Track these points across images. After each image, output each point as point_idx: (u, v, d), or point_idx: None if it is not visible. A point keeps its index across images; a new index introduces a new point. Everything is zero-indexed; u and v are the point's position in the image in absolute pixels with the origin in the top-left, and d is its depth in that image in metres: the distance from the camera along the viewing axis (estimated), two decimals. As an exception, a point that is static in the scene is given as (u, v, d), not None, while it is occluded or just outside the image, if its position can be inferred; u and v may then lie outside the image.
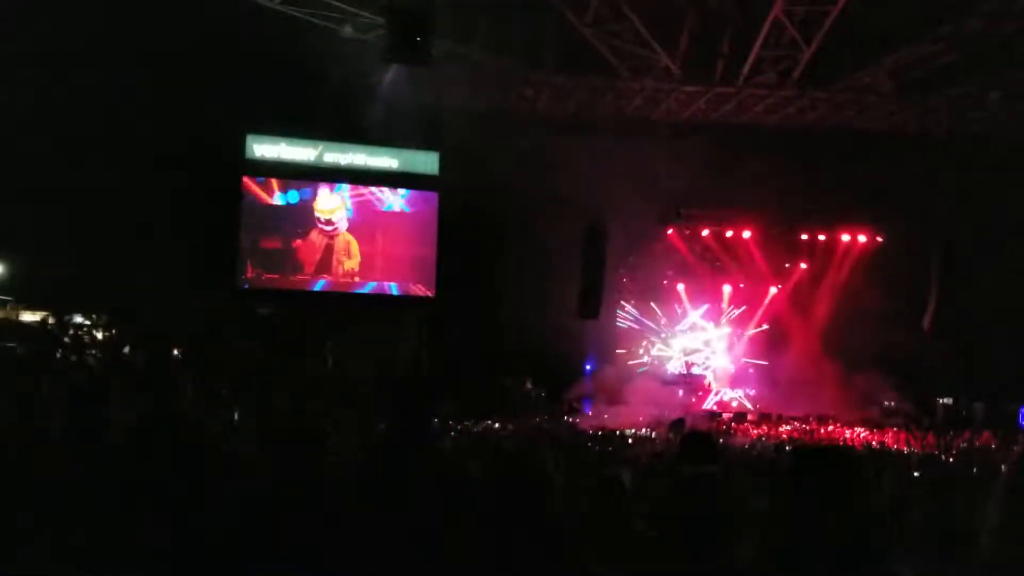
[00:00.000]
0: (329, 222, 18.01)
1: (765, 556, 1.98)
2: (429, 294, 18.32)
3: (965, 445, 14.21)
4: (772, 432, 16.79)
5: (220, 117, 14.82)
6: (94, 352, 14.89)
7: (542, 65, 15.92)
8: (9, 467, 3.12)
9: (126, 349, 15.46)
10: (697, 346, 22.01)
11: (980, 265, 17.69)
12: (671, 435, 12.89)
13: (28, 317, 15.88)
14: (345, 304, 18.16)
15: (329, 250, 18.04)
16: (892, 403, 19.76)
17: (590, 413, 18.80)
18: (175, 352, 15.46)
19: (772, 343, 21.52)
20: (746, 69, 15.59)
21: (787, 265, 21.57)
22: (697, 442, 4.03)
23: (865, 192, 17.91)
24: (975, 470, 9.18)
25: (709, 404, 21.01)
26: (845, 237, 20.95)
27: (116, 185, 13.95)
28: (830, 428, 17.57)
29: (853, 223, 20.62)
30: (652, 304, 21.75)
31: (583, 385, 19.90)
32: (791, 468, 2.09)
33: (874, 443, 14.59)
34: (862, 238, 20.90)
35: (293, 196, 17.94)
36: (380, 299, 18.46)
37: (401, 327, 17.89)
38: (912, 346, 18.24)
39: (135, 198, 14.13)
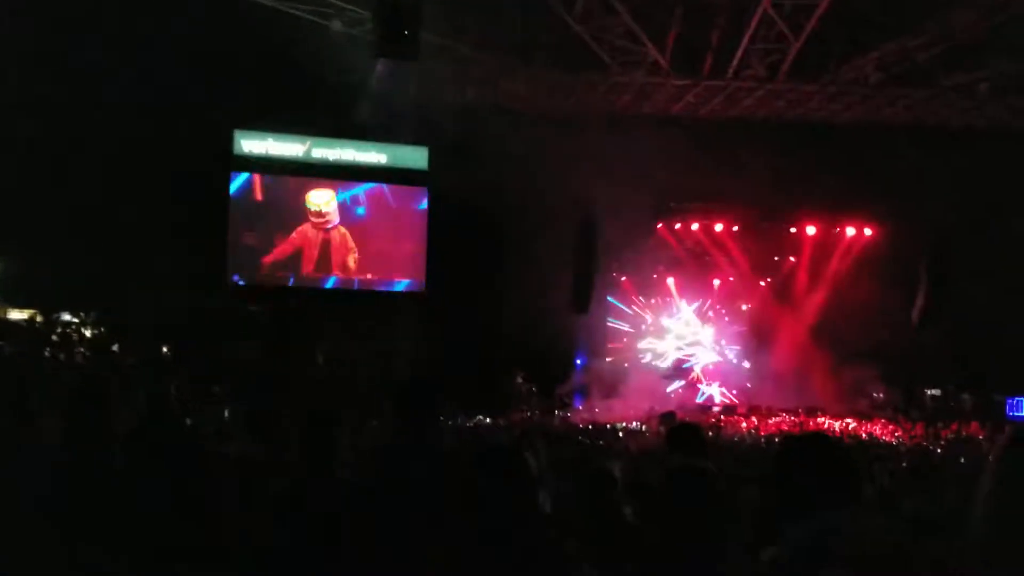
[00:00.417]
0: (320, 214, 17.92)
1: (754, 546, 1.99)
2: (420, 290, 18.31)
3: (953, 436, 14.32)
4: (761, 425, 16.87)
5: (208, 113, 14.76)
6: (83, 350, 14.82)
7: (531, 60, 15.91)
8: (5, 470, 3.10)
9: (115, 347, 15.40)
10: (688, 340, 22.06)
11: (970, 257, 17.80)
12: (662, 428, 12.94)
13: (15, 315, 15.78)
14: (336, 301, 18.12)
15: (325, 245, 17.97)
16: (881, 395, 19.88)
17: (581, 407, 18.84)
18: (164, 350, 15.41)
19: (762, 336, 21.61)
20: (735, 63, 15.62)
21: (776, 258, 21.64)
22: (686, 435, 4.05)
23: (856, 185, 17.97)
24: (963, 460, 9.26)
25: (699, 398, 21.08)
26: (835, 230, 21.04)
27: (103, 182, 13.87)
28: (820, 420, 17.66)
29: (843, 216, 20.71)
30: (643, 298, 21.79)
31: (574, 379, 19.94)
32: (778, 459, 2.10)
33: (864, 434, 14.69)
34: (852, 231, 21.00)
35: (282, 191, 17.87)
36: (371, 296, 18.43)
37: (392, 324, 17.87)
38: (901, 338, 18.36)
39: (122, 195, 14.05)
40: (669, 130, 17.06)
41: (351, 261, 18.19)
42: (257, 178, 17.69)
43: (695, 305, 22.04)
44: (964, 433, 14.64)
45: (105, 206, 14.06)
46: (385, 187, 18.35)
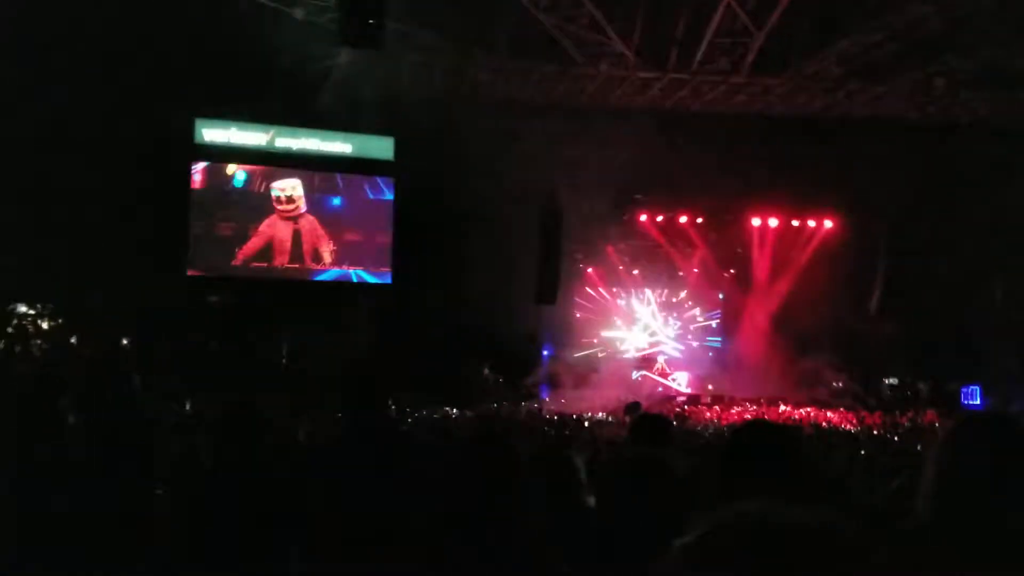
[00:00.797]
0: (290, 199, 17.72)
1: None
2: (386, 281, 18.22)
3: (910, 424, 14.61)
4: (724, 414, 17.07)
5: (169, 101, 14.52)
6: (39, 342, 14.54)
7: (496, 51, 15.86)
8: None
9: (73, 339, 15.13)
10: (653, 330, 22.24)
11: (926, 248, 18.15)
12: (627, 418, 13.04)
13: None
14: (301, 292, 17.98)
15: (296, 235, 17.79)
16: (840, 384, 20.24)
17: (548, 398, 18.92)
18: (124, 342, 15.17)
19: (725, 327, 21.89)
20: (699, 56, 15.72)
21: (740, 250, 21.90)
22: (649, 425, 4.08)
23: (817, 178, 18.22)
24: (919, 447, 9.45)
25: (664, 388, 21.28)
26: (797, 222, 21.34)
27: (61, 172, 13.60)
28: (781, 409, 17.92)
29: (805, 208, 20.99)
30: (609, 289, 21.92)
31: (541, 370, 20.01)
32: (729, 447, 2.14)
33: (823, 423, 14.93)
34: (812, 223, 21.31)
35: (246, 180, 17.66)
36: (336, 287, 18.31)
37: (358, 315, 17.77)
38: (860, 328, 18.70)
39: (82, 184, 13.79)
40: (635, 122, 17.12)
41: (326, 252, 18.03)
42: (220, 167, 17.47)
43: (661, 295, 22.24)
44: (920, 422, 14.94)
45: (64, 197, 13.79)
46: (351, 177, 18.22)
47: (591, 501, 3.12)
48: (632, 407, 13.85)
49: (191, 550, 2.78)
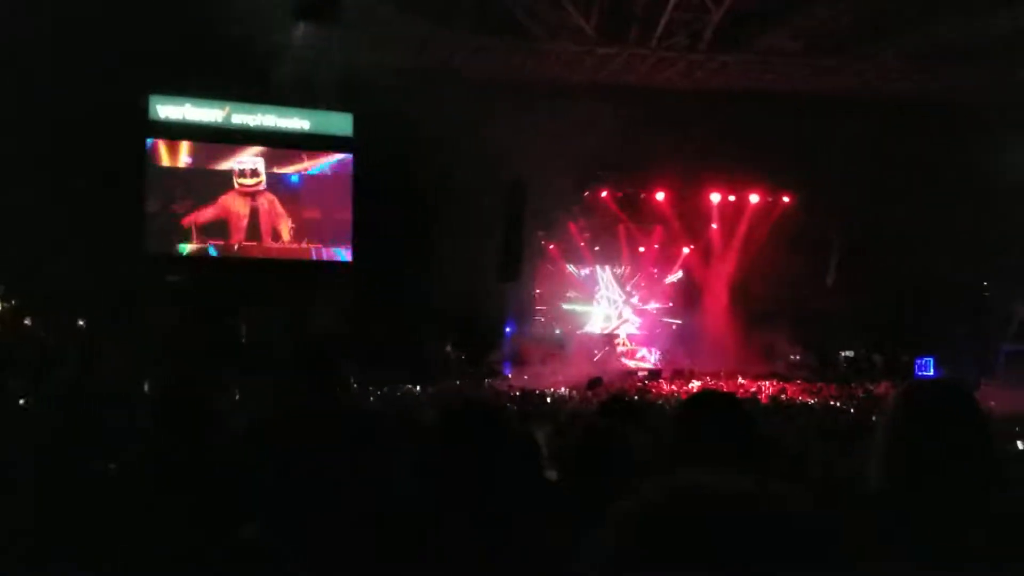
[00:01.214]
0: (254, 172, 17.42)
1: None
2: (347, 259, 18.08)
3: (865, 395, 14.92)
4: (683, 389, 17.29)
5: (122, 76, 14.15)
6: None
7: (456, 25, 15.71)
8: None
9: (27, 320, 14.81)
10: (614, 307, 22.40)
11: (880, 223, 18.47)
12: (588, 393, 13.16)
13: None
14: (261, 270, 17.75)
15: (253, 213, 17.53)
16: (798, 356, 20.62)
17: (510, 375, 18.99)
18: (80, 323, 14.89)
19: (685, 302, 22.11)
20: (659, 32, 15.75)
21: (700, 225, 22.09)
22: (616, 404, 4.12)
23: (775, 153, 18.39)
24: (874, 418, 9.67)
25: (625, 363, 21.48)
26: (754, 198, 21.57)
27: (13, 149, 13.21)
28: (740, 382, 18.20)
29: (762, 183, 21.22)
30: (571, 266, 22.00)
31: (503, 348, 20.06)
32: (679, 416, 2.18)
33: (782, 396, 15.20)
34: (770, 198, 21.58)
35: (203, 157, 17.34)
36: (297, 265, 18.12)
37: (317, 293, 17.61)
38: (816, 302, 19.03)
39: (34, 162, 13.44)
40: (596, 97, 17.11)
41: (284, 230, 17.81)
42: (175, 144, 17.12)
43: (622, 271, 22.38)
44: (875, 393, 15.26)
45: (15, 175, 13.41)
46: (310, 154, 17.98)
47: (552, 475, 3.14)
48: (594, 382, 14.02)
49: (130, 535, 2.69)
